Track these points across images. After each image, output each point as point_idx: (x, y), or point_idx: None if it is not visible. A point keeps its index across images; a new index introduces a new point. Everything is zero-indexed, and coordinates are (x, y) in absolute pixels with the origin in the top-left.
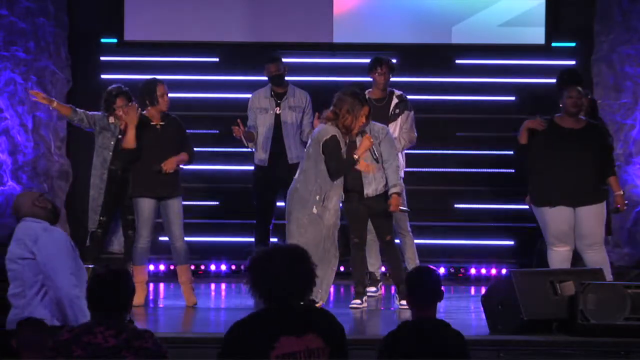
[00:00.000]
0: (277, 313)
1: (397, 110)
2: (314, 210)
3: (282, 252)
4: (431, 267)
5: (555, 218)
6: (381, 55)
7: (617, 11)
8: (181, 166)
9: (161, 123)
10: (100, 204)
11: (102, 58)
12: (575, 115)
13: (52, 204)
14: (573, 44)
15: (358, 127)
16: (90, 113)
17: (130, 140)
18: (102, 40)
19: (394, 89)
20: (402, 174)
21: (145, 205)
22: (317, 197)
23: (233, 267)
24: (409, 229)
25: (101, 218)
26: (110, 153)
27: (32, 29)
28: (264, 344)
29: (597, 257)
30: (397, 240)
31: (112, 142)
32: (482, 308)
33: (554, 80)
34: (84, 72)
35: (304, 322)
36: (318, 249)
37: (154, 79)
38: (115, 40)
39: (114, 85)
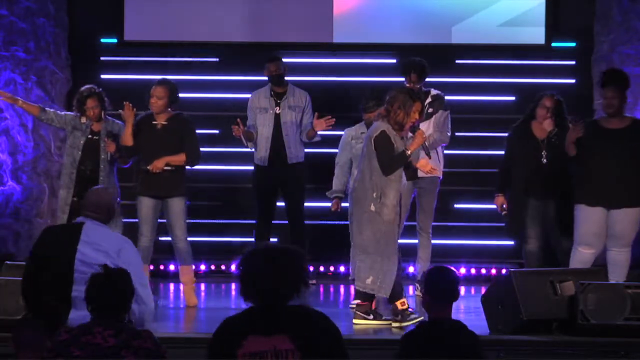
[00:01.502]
0: (253, 312)
1: (431, 110)
2: (372, 207)
3: (268, 251)
4: (449, 267)
5: (588, 218)
6: (411, 57)
7: (617, 11)
8: (186, 167)
9: (163, 123)
10: (69, 204)
11: (102, 58)
12: (613, 116)
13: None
14: (573, 44)
15: (410, 123)
16: (62, 113)
17: (125, 138)
18: (102, 40)
19: (431, 89)
20: (440, 176)
21: (144, 204)
22: (374, 195)
23: (233, 267)
24: (430, 230)
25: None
26: (80, 152)
27: (32, 29)
28: (234, 342)
29: (620, 257)
30: (415, 240)
31: (82, 142)
32: (482, 308)
33: (554, 80)
34: (84, 72)
35: (275, 322)
36: (379, 245)
37: (156, 81)
38: (115, 40)
39: (86, 86)
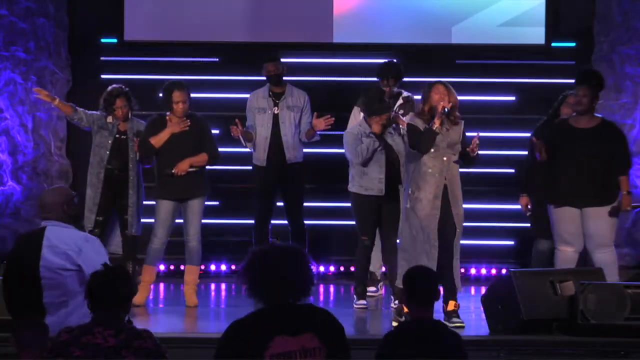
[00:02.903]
0: (272, 313)
1: (402, 112)
2: (407, 204)
3: (278, 251)
4: (428, 267)
5: (562, 218)
6: (388, 59)
7: (617, 11)
8: (207, 167)
9: (185, 127)
10: (97, 203)
11: (102, 58)
12: (582, 114)
13: (76, 207)
14: (573, 44)
15: (436, 104)
16: (89, 112)
17: (159, 141)
18: (102, 40)
19: (402, 90)
20: None
21: (163, 208)
22: (410, 191)
23: (233, 267)
24: None
25: (97, 218)
26: (108, 152)
27: (32, 29)
28: (259, 344)
29: (605, 258)
30: None
31: (110, 142)
32: (482, 308)
33: (554, 80)
34: (84, 72)
35: (300, 321)
36: (415, 242)
37: (172, 84)
38: (115, 40)
39: (114, 86)
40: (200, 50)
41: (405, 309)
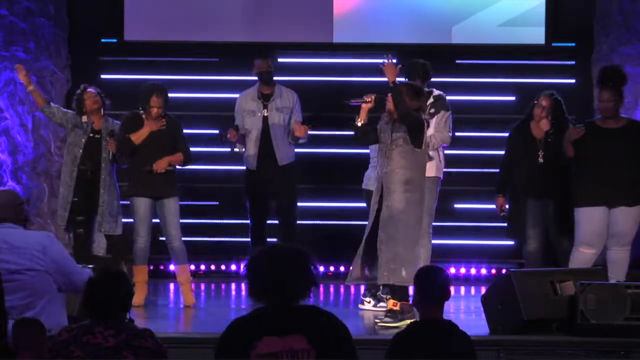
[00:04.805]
0: (265, 313)
1: (433, 110)
2: None
3: (275, 252)
4: (439, 266)
5: (590, 219)
6: (415, 59)
7: (617, 11)
8: (177, 166)
9: (162, 126)
10: (70, 202)
11: (102, 58)
12: (610, 118)
13: (26, 213)
14: (573, 44)
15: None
16: (64, 110)
17: (139, 138)
18: (102, 40)
19: (433, 89)
20: (441, 176)
21: (140, 204)
22: None
23: (233, 267)
24: (430, 230)
25: (78, 218)
26: (81, 151)
27: (32, 29)
28: (247, 344)
29: (621, 255)
30: None
31: (84, 140)
32: (482, 308)
33: (554, 80)
34: (84, 72)
35: (290, 322)
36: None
37: (152, 88)
38: (115, 40)
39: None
40: (200, 50)
41: (393, 305)
